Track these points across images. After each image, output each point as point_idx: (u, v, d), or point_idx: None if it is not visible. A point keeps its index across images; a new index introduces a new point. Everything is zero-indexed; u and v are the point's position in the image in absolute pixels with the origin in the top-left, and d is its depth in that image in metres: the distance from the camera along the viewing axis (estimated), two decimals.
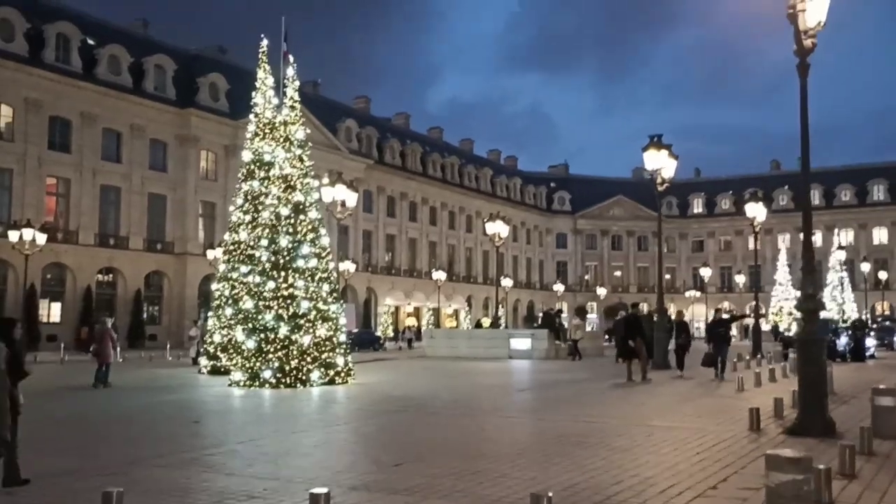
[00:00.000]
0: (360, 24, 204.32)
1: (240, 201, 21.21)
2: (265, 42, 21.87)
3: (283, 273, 18.46)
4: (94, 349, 19.69)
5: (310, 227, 19.35)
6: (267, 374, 17.66)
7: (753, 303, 36.61)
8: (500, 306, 64.48)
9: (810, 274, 10.63)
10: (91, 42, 45.52)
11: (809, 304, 10.42)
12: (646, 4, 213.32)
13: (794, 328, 43.15)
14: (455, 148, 79.93)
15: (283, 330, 17.94)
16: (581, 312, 71.47)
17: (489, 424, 11.74)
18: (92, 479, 7.30)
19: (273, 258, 18.68)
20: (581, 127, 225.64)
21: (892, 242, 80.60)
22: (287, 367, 17.67)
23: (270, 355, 17.76)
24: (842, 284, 70.96)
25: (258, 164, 20.51)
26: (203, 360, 22.74)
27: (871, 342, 31.14)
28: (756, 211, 30.13)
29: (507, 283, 65.93)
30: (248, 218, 20.52)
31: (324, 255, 19.45)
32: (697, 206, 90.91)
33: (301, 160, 20.02)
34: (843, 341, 27.56)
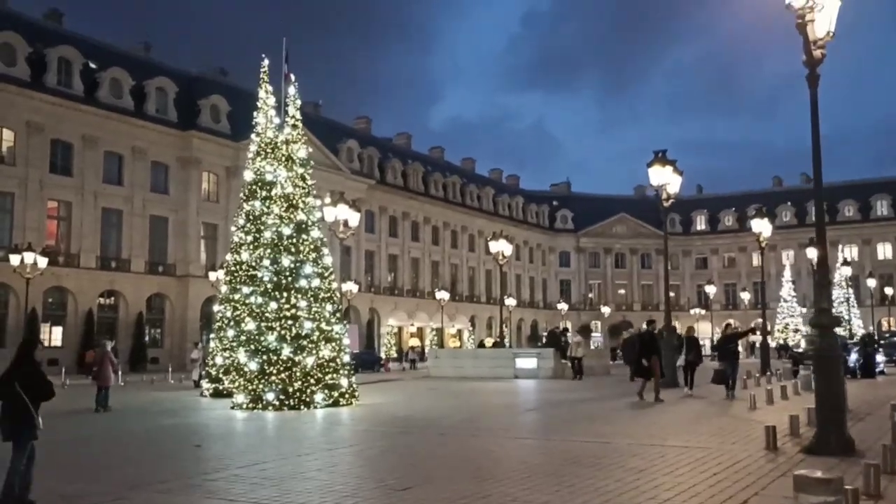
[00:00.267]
0: (361, 45, 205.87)
1: (241, 221, 21.08)
2: (266, 62, 21.86)
3: (285, 293, 18.23)
4: (94, 373, 19.46)
5: (312, 246, 19.14)
6: (270, 396, 17.38)
7: (759, 320, 36.21)
8: (504, 326, 64.20)
9: (825, 288, 10.41)
10: (92, 65, 45.66)
11: (824, 318, 10.18)
12: (646, 21, 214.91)
13: (803, 344, 42.80)
14: (457, 167, 79.99)
15: (286, 351, 17.67)
16: (584, 331, 71.05)
17: (498, 445, 11.47)
18: (92, 503, 7.07)
19: (275, 278, 18.47)
20: (582, 144, 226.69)
21: None
22: (290, 389, 17.39)
23: (273, 377, 17.49)
24: (847, 301, 70.63)
25: (260, 183, 20.40)
26: (205, 383, 22.49)
27: (879, 358, 30.75)
28: (762, 227, 29.89)
29: (510, 302, 65.61)
30: (249, 238, 20.38)
31: (326, 274, 19.22)
32: (700, 223, 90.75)
33: (303, 179, 19.84)
34: (853, 357, 27.20)
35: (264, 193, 20.12)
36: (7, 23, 42.11)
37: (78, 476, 9.04)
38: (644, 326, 21.30)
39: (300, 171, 19.90)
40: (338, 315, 19.36)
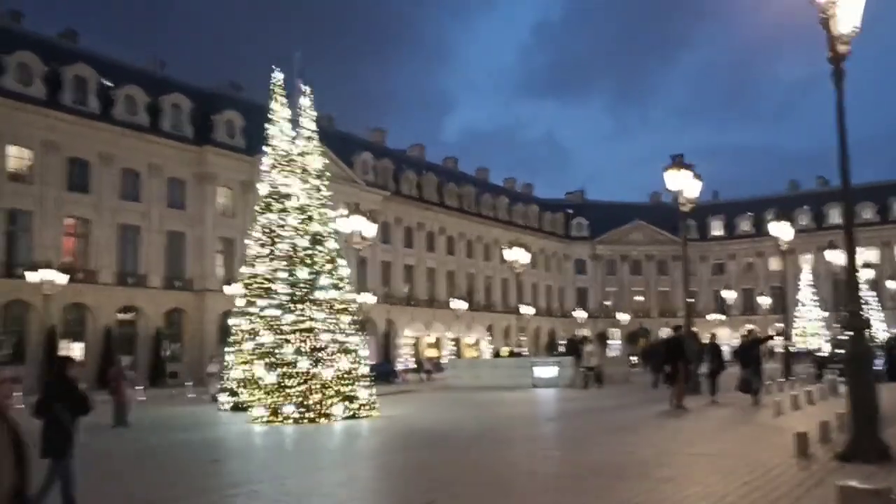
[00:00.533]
0: (374, 58, 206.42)
1: (257, 234, 20.97)
2: (279, 74, 21.82)
3: (301, 305, 18.10)
4: (111, 388, 19.44)
5: (328, 257, 19.02)
6: (288, 409, 17.21)
7: (780, 325, 35.72)
8: (522, 334, 63.82)
9: (855, 291, 10.14)
10: (108, 83, 45.93)
11: (855, 321, 9.91)
12: (658, 27, 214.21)
13: (825, 348, 42.17)
14: (471, 177, 79.85)
15: (304, 363, 17.51)
16: (599, 338, 70.50)
17: (521, 457, 11.25)
18: None
19: (291, 290, 18.34)
20: (596, 152, 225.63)
21: None
22: (308, 402, 17.22)
23: (291, 390, 17.32)
24: (868, 304, 69.63)
25: (275, 196, 20.30)
26: (223, 397, 22.37)
27: None
28: (782, 231, 29.54)
29: (527, 310, 65.22)
30: (265, 250, 20.26)
31: (342, 285, 19.07)
32: (717, 229, 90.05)
33: (318, 190, 19.75)
34: (879, 361, 26.69)
35: (280, 205, 20.01)
36: (23, 42, 42.48)
37: (94, 492, 8.91)
38: (671, 332, 20.99)
39: (315, 182, 19.81)
40: (355, 326, 19.21)
